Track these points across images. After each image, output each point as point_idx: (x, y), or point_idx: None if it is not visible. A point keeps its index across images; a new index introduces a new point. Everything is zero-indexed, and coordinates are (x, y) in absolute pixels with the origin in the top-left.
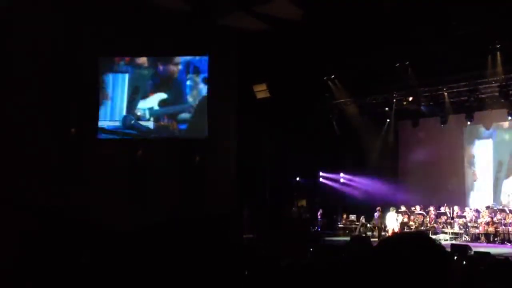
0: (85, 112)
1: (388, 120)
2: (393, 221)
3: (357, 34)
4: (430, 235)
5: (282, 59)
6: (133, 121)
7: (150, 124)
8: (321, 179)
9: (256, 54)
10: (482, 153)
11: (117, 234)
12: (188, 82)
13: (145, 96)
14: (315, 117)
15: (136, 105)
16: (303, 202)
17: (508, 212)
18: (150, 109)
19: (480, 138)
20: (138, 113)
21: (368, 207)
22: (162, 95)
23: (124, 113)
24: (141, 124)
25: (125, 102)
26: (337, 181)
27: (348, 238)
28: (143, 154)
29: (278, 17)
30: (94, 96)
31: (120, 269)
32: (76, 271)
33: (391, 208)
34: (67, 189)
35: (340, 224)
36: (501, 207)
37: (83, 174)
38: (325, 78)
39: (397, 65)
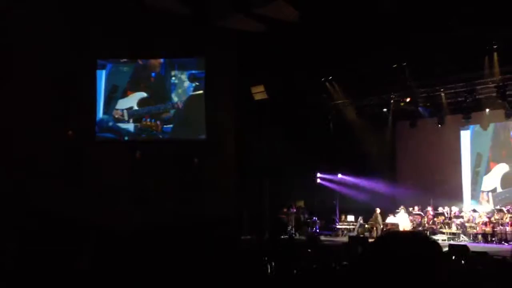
0: (82, 113)
1: (386, 121)
2: (405, 221)
3: (354, 35)
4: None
5: (280, 60)
6: (110, 123)
7: (130, 126)
8: (319, 180)
9: (254, 55)
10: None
11: (117, 236)
12: (172, 80)
13: (124, 96)
14: (313, 118)
15: (114, 105)
16: (302, 203)
17: (505, 212)
18: (129, 109)
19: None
20: (116, 115)
21: (366, 207)
22: (142, 94)
23: (101, 114)
24: (119, 127)
25: (102, 103)
26: (335, 181)
27: (346, 239)
28: (141, 155)
29: (275, 18)
30: (89, 96)
31: (120, 271)
32: (74, 273)
33: (400, 208)
34: (65, 190)
35: (338, 225)
36: (498, 208)
37: (81, 175)
38: (322, 79)
39: (395, 66)
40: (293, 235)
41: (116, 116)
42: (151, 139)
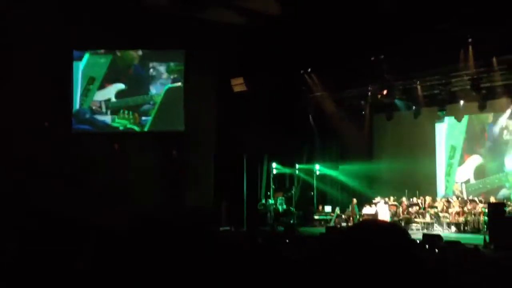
0: (58, 105)
1: (363, 114)
2: (385, 212)
3: (333, 28)
4: (403, 225)
5: (260, 52)
6: (87, 115)
7: (107, 118)
8: (297, 171)
9: (235, 48)
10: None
11: (99, 231)
12: (151, 72)
13: (101, 87)
14: (293, 111)
15: (91, 97)
16: (280, 194)
17: (477, 202)
18: (107, 101)
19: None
20: (94, 107)
21: (343, 198)
22: (120, 86)
23: (77, 106)
24: (96, 119)
25: (79, 95)
26: (313, 173)
27: (323, 230)
28: (119, 147)
29: (256, 11)
30: (65, 87)
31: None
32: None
33: (378, 199)
34: (43, 184)
35: (316, 216)
36: (471, 197)
37: (59, 168)
38: (302, 71)
39: (372, 58)
40: (273, 226)
41: (93, 108)
42: (129, 131)
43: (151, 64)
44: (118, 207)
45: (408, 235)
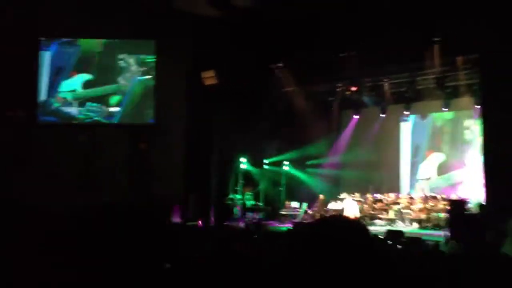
0: (24, 95)
1: (332, 109)
2: (353, 208)
3: (304, 22)
4: (368, 221)
5: (231, 45)
6: (54, 107)
7: (74, 110)
8: (266, 166)
9: (206, 40)
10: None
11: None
12: (120, 63)
13: (68, 78)
14: (263, 105)
15: (58, 88)
16: (249, 189)
17: (439, 199)
18: (74, 92)
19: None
20: (60, 98)
21: (311, 194)
22: (88, 76)
23: (44, 97)
24: (63, 110)
25: (46, 85)
26: (281, 168)
27: (290, 226)
28: (88, 138)
29: (228, 3)
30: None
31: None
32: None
33: (344, 195)
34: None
35: (283, 211)
36: (433, 194)
37: (24, 159)
38: (272, 66)
39: (341, 55)
40: (246, 222)
41: (60, 99)
42: (96, 123)
43: (120, 55)
44: (82, 198)
45: (369, 232)
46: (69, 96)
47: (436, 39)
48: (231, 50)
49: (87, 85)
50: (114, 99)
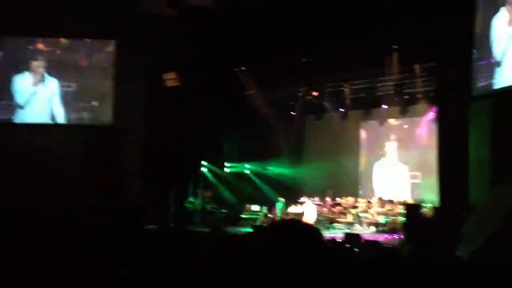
0: None
1: (294, 114)
2: (312, 212)
3: (266, 27)
4: (326, 225)
5: (194, 47)
6: (3, 104)
7: (28, 109)
8: (227, 170)
9: (169, 41)
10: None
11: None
12: (78, 62)
13: (22, 76)
14: (225, 109)
15: (10, 86)
16: (209, 193)
17: (396, 203)
18: (28, 90)
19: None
20: (14, 96)
21: (271, 197)
22: (44, 75)
23: None
24: (16, 109)
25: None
26: (242, 172)
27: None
28: (44, 139)
29: (191, 5)
30: None
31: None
32: None
33: (304, 199)
34: None
35: (243, 215)
36: (390, 198)
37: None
38: (235, 69)
39: (304, 60)
40: (215, 226)
41: (14, 98)
42: (51, 124)
43: (78, 55)
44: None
45: (322, 236)
46: (23, 95)
47: (395, 46)
48: (195, 52)
49: (46, 84)
50: (71, 99)
